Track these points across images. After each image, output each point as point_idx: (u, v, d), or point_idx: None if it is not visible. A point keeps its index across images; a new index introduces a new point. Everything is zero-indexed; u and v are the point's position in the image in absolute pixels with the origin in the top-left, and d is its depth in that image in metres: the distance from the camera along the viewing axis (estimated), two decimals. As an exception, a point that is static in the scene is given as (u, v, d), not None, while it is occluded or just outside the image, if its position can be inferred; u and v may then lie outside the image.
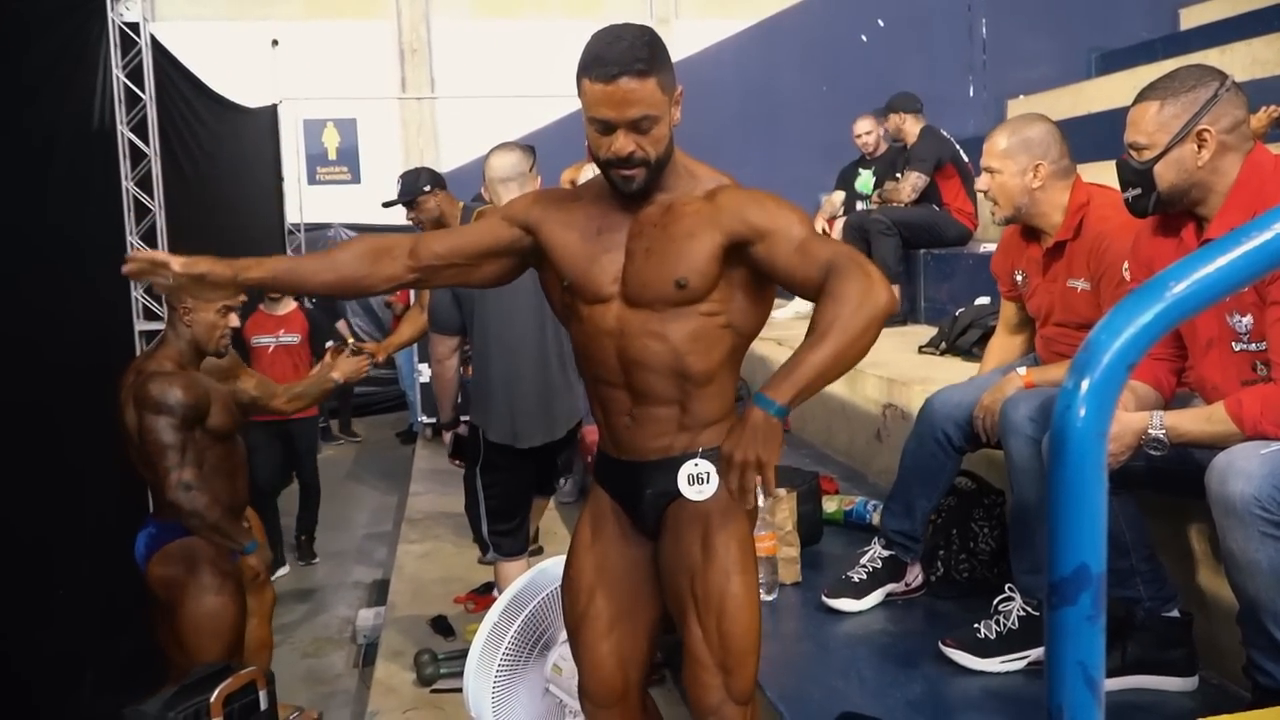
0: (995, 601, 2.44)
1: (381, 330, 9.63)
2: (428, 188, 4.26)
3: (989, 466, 2.91)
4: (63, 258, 3.99)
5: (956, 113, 7.38)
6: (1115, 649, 2.16)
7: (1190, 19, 7.43)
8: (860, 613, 2.74)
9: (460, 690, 2.64)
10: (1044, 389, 2.44)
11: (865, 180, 6.17)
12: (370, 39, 12.67)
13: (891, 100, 5.90)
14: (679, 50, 10.54)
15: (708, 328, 1.89)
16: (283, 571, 6.02)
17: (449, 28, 12.98)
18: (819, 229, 5.97)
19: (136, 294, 4.92)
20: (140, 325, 4.90)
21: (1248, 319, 2.00)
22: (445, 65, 12.90)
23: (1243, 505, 1.81)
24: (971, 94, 7.98)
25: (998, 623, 2.40)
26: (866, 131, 6.13)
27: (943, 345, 4.30)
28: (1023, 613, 2.38)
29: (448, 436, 3.77)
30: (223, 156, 7.25)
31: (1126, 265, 2.41)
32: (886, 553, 2.78)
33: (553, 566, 2.56)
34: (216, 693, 2.85)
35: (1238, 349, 2.03)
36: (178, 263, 1.85)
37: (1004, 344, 2.93)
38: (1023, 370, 2.60)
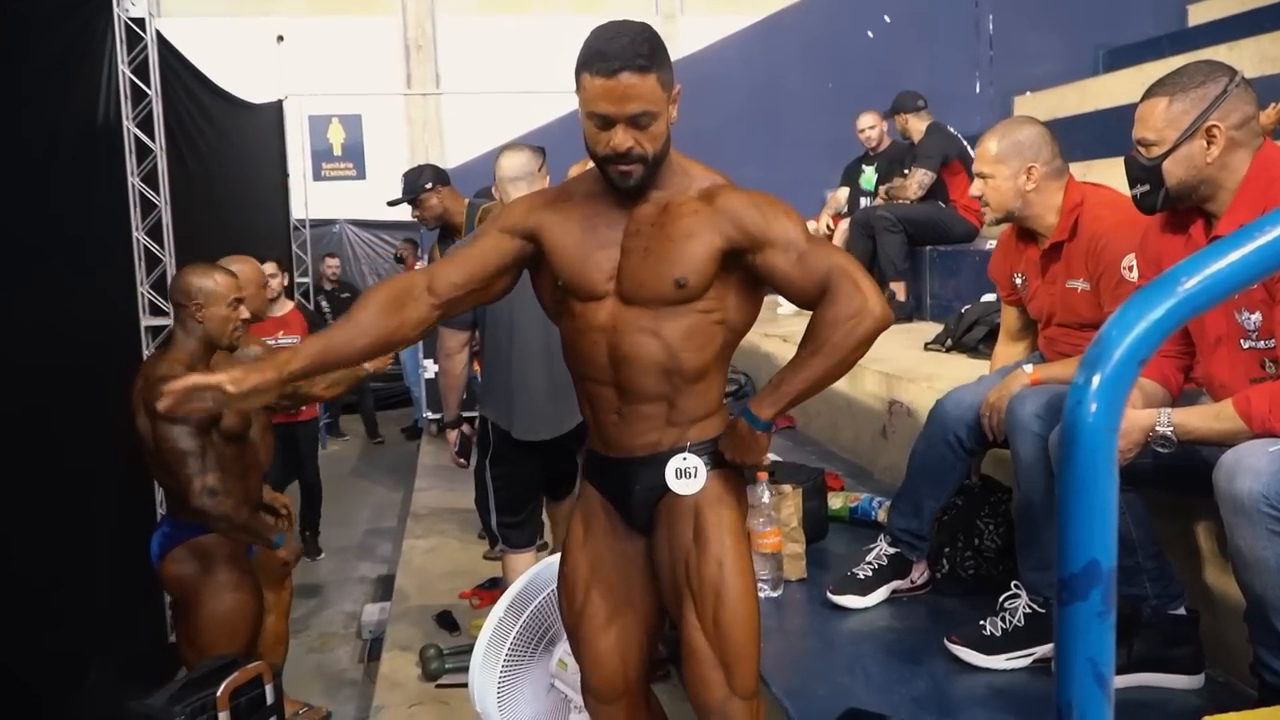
0: (1001, 599, 2.44)
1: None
2: (429, 185, 4.26)
3: (995, 464, 2.91)
4: (68, 254, 4.00)
5: (963, 109, 7.37)
6: (1121, 646, 2.15)
7: (1198, 15, 7.41)
8: (865, 609, 2.74)
9: (465, 685, 2.64)
10: (1050, 386, 2.43)
11: (868, 177, 6.16)
12: (375, 34, 12.68)
13: (895, 102, 5.90)
14: (684, 46, 10.58)
15: (702, 324, 1.89)
16: (320, 557, 6.29)
17: (454, 23, 12.99)
18: (824, 226, 5.98)
19: (142, 289, 4.93)
20: (146, 321, 4.91)
21: (1256, 316, 1.99)
22: (450, 61, 12.92)
23: (1251, 503, 1.80)
24: (978, 90, 7.97)
25: (1003, 620, 2.40)
26: (870, 126, 6.12)
27: (948, 342, 4.30)
28: (1028, 610, 2.38)
29: (452, 435, 3.78)
30: (228, 152, 7.26)
31: (1129, 262, 2.40)
32: (892, 550, 2.77)
33: (558, 562, 2.56)
34: (223, 686, 2.84)
35: (1246, 346, 2.02)
36: (231, 385, 1.79)
37: (1006, 352, 2.92)
38: (1029, 368, 2.59)
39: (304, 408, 5.34)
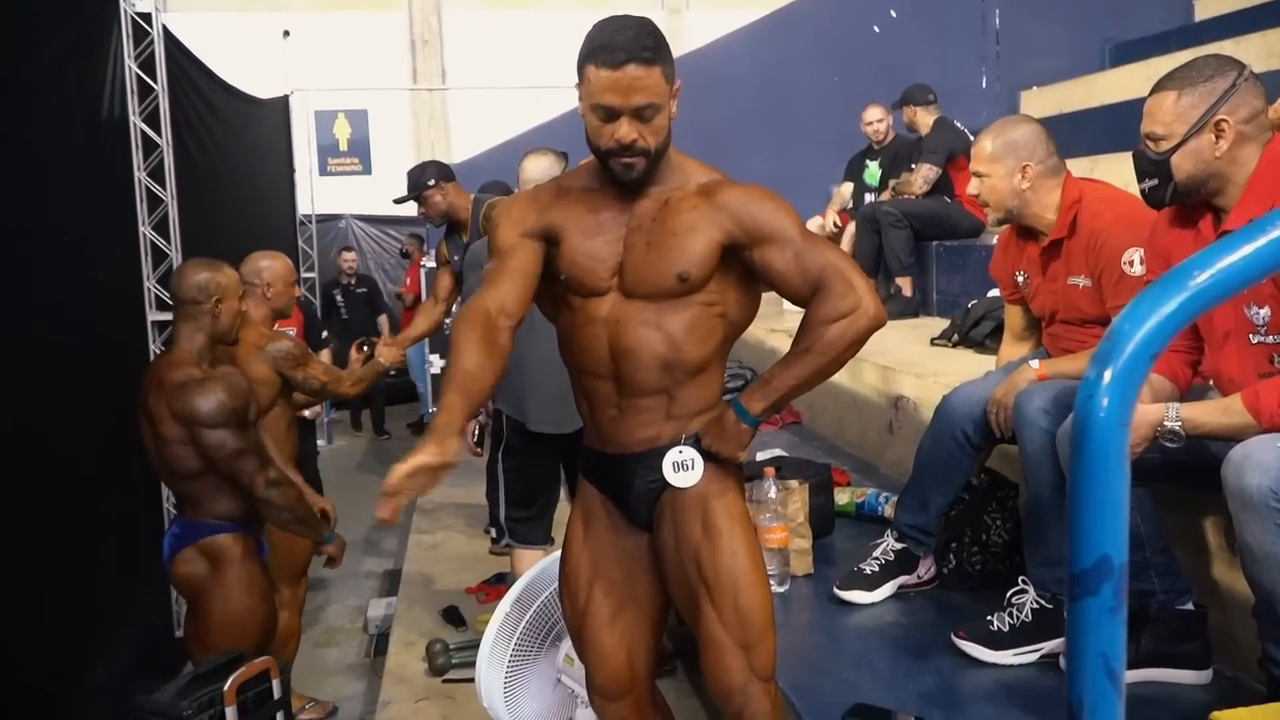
0: (1008, 594, 2.44)
1: (392, 323, 9.64)
2: (432, 182, 4.26)
3: (1002, 460, 2.90)
4: (74, 248, 4.00)
5: (969, 104, 7.35)
6: (1129, 642, 2.12)
7: (1205, 9, 7.38)
8: (872, 605, 2.74)
9: (472, 680, 2.64)
10: (1057, 381, 2.43)
11: (872, 172, 6.14)
12: (381, 30, 12.69)
13: (905, 93, 5.88)
14: (691, 41, 10.55)
15: (704, 317, 1.90)
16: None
17: (460, 18, 12.99)
18: (830, 222, 5.97)
19: (149, 284, 4.94)
20: (153, 315, 4.92)
21: (1265, 311, 1.98)
22: (456, 56, 12.93)
23: (1259, 498, 1.80)
24: (984, 85, 7.95)
25: (1011, 615, 2.40)
26: (877, 119, 6.09)
27: (955, 337, 4.29)
28: (1036, 605, 2.38)
29: (471, 425, 3.76)
30: (235, 147, 7.26)
31: (1129, 257, 2.40)
32: (899, 545, 2.77)
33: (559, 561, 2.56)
34: (230, 681, 2.84)
35: (1255, 341, 2.02)
36: (452, 454, 1.72)
37: (1012, 352, 2.92)
38: (1035, 363, 2.58)
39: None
